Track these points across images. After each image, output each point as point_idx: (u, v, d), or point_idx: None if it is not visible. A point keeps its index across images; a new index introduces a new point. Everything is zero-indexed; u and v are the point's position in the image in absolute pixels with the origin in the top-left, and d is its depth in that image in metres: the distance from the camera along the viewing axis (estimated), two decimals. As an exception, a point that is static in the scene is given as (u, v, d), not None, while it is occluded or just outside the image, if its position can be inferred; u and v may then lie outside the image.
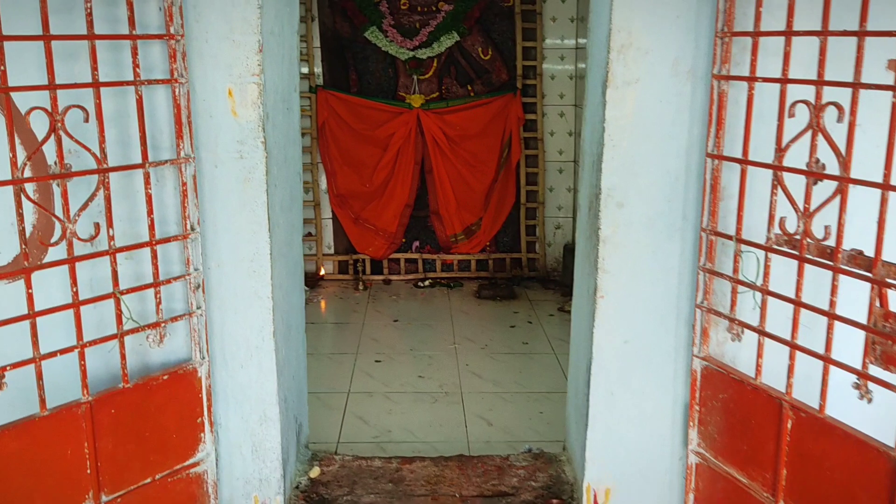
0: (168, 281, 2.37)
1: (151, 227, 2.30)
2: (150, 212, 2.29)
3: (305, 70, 5.67)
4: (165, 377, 2.41)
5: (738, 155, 2.32)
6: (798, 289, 2.11)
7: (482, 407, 3.86)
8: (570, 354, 3.06)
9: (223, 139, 2.41)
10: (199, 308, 2.45)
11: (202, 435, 2.53)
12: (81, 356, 2.18)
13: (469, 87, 5.75)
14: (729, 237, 2.33)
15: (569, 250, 5.84)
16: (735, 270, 2.33)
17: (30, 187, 2.31)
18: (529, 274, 5.99)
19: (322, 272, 5.92)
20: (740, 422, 2.34)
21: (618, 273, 2.55)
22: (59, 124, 2.05)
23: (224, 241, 2.49)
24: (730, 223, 2.41)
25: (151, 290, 2.36)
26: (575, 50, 5.82)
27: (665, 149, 2.47)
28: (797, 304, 2.12)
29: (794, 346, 2.14)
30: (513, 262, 6.01)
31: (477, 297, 5.61)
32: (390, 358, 4.50)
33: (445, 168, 5.76)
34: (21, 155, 2.06)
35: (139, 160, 2.28)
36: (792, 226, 2.13)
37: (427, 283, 5.89)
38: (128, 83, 2.21)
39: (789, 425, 2.18)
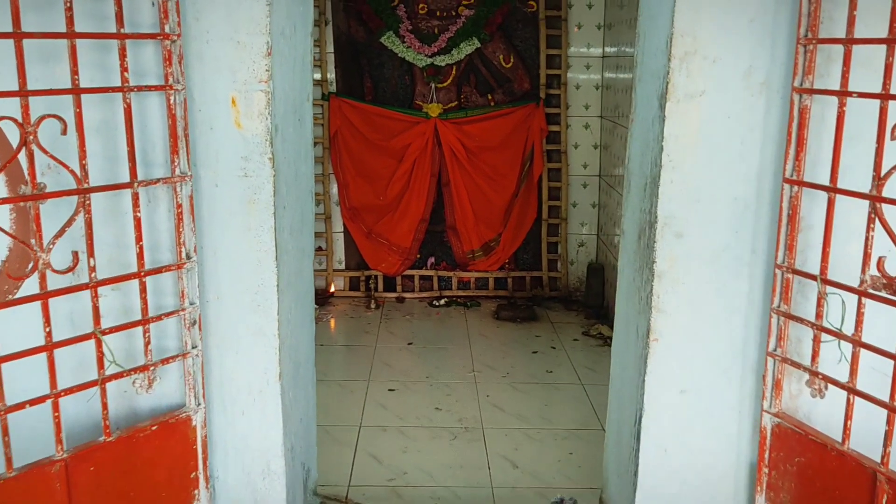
0: (159, 318, 2.06)
1: (140, 256, 1.99)
2: (138, 238, 1.98)
3: (318, 76, 5.38)
4: (154, 427, 2.09)
5: (820, 180, 2.01)
6: (901, 342, 1.78)
7: (506, 446, 3.53)
8: (608, 398, 2.73)
9: (225, 155, 2.10)
10: (194, 347, 2.14)
11: (196, 492, 2.21)
12: (55, 407, 1.87)
13: (489, 97, 5.46)
14: (812, 277, 2.00)
15: (593, 270, 5.52)
16: (818, 316, 2.00)
17: (5, 209, 2.01)
18: (551, 294, 5.67)
19: (332, 289, 5.61)
20: (821, 491, 2.01)
21: (675, 313, 2.22)
22: (32, 137, 1.74)
23: (224, 271, 2.18)
24: (808, 259, 2.09)
25: (140, 327, 2.05)
26: (602, 59, 5.52)
27: (733, 172, 2.14)
28: (900, 360, 1.79)
29: (893, 410, 1.80)
30: (533, 280, 5.69)
31: (496, 318, 5.29)
32: (405, 386, 4.18)
33: (463, 181, 5.48)
34: (-13, 172, 1.76)
35: (128, 178, 1.97)
36: (893, 267, 1.80)
37: (442, 301, 5.57)
38: (114, 89, 1.90)
39: (884, 501, 1.85)
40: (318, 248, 5.61)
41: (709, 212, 2.17)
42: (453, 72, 5.41)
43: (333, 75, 5.44)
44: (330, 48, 5.42)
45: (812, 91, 1.98)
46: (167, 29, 1.94)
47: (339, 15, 5.38)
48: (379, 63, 5.43)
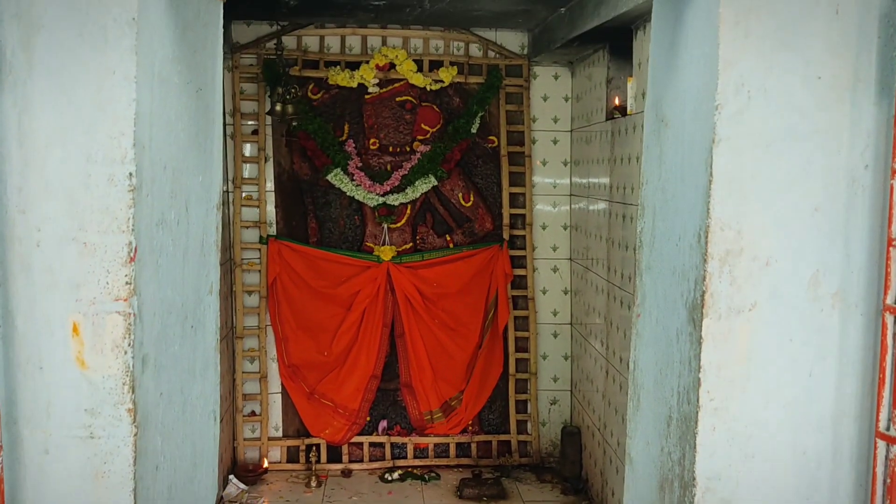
0: None
1: None
2: None
3: (256, 217, 4.78)
4: None
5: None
6: None
7: None
8: None
9: (60, 407, 1.41)
10: None
11: None
12: None
13: (448, 238, 4.95)
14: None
15: (568, 434, 4.84)
16: None
17: None
18: (520, 461, 4.97)
19: (266, 463, 4.79)
20: None
21: None
22: None
23: (56, 581, 1.45)
24: (913, 542, 1.45)
25: None
26: (569, 196, 5.06)
27: (799, 416, 1.53)
28: None
29: None
30: (500, 445, 4.99)
31: (459, 496, 4.55)
32: None
33: (420, 332, 4.91)
34: None
35: None
36: None
37: (396, 474, 4.81)
38: None
39: None
40: (252, 413, 4.83)
41: (768, 472, 1.53)
42: (408, 211, 4.90)
43: (273, 216, 4.85)
44: (270, 186, 4.85)
45: (914, 313, 1.40)
46: (-32, 230, 1.29)
47: (281, 150, 4.85)
48: (325, 202, 4.89)
